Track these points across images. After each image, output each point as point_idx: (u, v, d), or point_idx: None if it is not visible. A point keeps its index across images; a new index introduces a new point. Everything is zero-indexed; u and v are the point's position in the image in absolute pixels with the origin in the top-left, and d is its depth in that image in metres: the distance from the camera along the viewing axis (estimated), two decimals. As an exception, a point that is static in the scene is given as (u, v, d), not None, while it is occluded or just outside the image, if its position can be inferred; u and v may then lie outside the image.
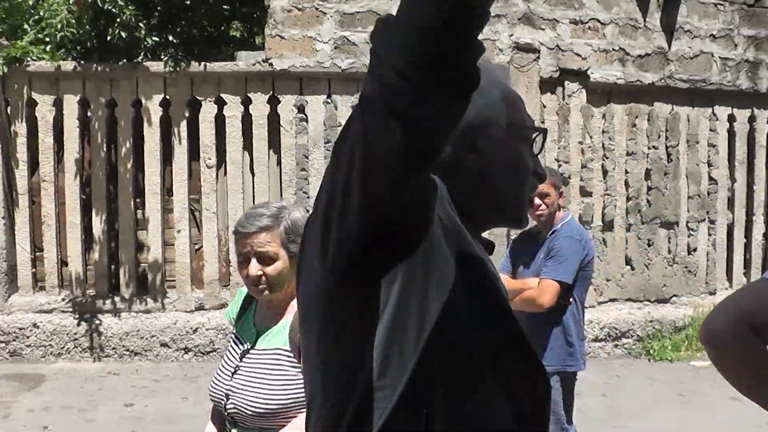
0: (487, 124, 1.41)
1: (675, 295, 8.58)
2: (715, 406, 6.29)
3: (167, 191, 7.90)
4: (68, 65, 7.61)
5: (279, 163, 7.86)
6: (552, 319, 4.26)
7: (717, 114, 8.74)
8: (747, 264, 9.02)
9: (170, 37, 7.66)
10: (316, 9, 7.68)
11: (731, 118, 8.85)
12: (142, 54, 7.61)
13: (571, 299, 4.31)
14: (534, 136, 1.50)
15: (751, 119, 8.95)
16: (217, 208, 7.83)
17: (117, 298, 7.77)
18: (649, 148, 8.42)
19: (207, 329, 7.66)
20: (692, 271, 8.66)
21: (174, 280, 7.85)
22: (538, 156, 1.51)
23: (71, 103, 7.70)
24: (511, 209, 1.49)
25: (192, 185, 7.84)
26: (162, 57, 7.59)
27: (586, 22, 8.04)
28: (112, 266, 7.90)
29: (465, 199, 1.40)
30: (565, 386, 4.36)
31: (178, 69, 7.51)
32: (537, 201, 4.24)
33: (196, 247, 7.98)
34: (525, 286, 4.25)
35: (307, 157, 7.79)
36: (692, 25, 8.47)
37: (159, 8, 7.71)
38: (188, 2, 8.26)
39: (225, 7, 8.86)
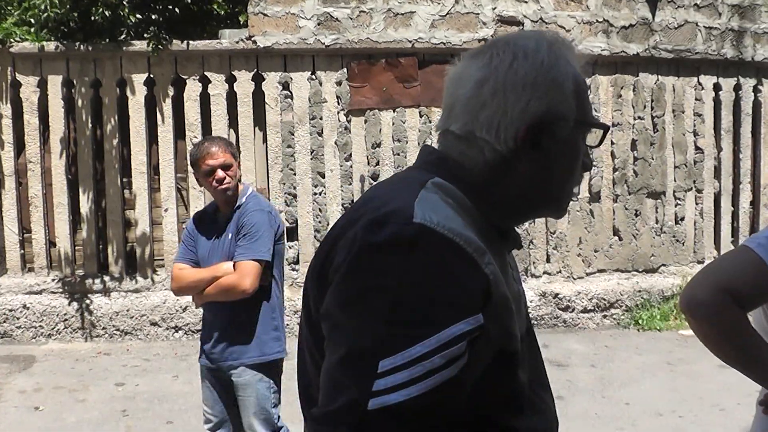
0: (556, 120, 1.34)
1: (663, 265, 8.62)
2: (704, 375, 6.36)
3: (154, 170, 7.89)
4: (51, 46, 7.57)
5: (265, 140, 7.86)
6: (258, 303, 3.82)
7: (702, 83, 8.74)
8: (734, 232, 9.07)
9: (153, 16, 7.60)
10: (299, -16, 7.65)
11: (716, 87, 8.85)
12: (125, 33, 7.57)
13: (272, 278, 3.89)
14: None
15: (737, 88, 8.95)
16: (205, 186, 7.81)
17: (106, 278, 7.79)
18: (634, 119, 8.43)
19: (197, 307, 7.66)
20: (680, 240, 8.69)
21: (162, 259, 7.84)
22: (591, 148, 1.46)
23: (55, 84, 7.67)
24: (557, 202, 1.44)
25: (178, 164, 7.83)
26: (145, 36, 7.55)
27: (570, -6, 8.02)
28: (101, 246, 7.91)
29: (512, 194, 1.37)
30: (274, 377, 3.90)
31: (161, 48, 7.48)
32: (220, 174, 3.76)
33: (184, 225, 7.95)
34: (218, 273, 3.76)
35: (293, 134, 7.78)
36: (676, -6, 8.46)
37: (141, -14, 7.65)
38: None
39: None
